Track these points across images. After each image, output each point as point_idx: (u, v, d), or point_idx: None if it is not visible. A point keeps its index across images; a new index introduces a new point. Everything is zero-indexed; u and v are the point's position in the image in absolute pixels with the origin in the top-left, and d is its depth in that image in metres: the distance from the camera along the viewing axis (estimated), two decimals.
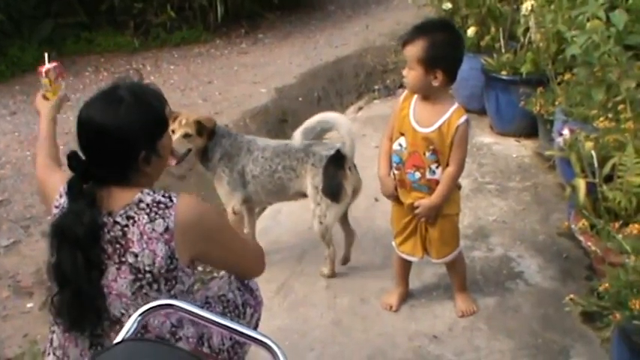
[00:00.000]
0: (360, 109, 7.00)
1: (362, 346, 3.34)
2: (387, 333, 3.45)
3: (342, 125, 3.67)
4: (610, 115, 3.79)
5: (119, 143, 2.15)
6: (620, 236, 2.82)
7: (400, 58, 8.10)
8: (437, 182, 3.19)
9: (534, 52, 5.13)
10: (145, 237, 2.10)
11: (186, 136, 3.74)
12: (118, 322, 2.12)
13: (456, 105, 3.12)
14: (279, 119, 6.58)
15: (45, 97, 2.85)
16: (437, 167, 3.16)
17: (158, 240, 2.10)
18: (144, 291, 2.12)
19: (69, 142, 6.26)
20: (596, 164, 3.44)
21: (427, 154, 3.14)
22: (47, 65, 2.82)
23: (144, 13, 9.60)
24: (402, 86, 7.37)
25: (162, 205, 2.12)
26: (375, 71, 8.01)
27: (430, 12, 6.74)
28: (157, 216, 2.11)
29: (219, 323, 1.71)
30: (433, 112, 3.12)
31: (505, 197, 4.68)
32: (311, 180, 3.71)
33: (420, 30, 3.06)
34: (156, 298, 2.06)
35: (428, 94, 3.11)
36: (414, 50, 2.99)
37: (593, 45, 3.87)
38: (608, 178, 3.45)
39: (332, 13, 11.18)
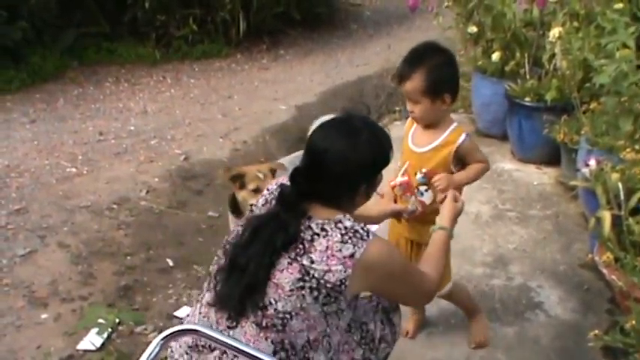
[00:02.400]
0: None
1: None
2: (403, 359, 3.39)
3: None
4: (637, 147, 3.73)
5: (350, 173, 2.32)
6: None
7: None
8: (425, 203, 3.06)
9: (559, 79, 5.09)
10: (330, 252, 2.21)
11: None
12: (262, 310, 2.24)
13: (454, 125, 3.07)
14: (298, 137, 6.54)
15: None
16: (426, 190, 3.05)
17: (339, 260, 2.20)
18: (302, 292, 2.21)
19: (87, 152, 6.28)
20: (622, 196, 3.38)
21: (418, 175, 3.04)
22: (396, 180, 2.83)
23: (166, 25, 9.62)
24: None
25: (358, 235, 2.24)
26: (396, 92, 7.96)
27: (455, 35, 6.71)
28: (350, 240, 2.22)
29: (246, 353, 1.67)
30: (431, 133, 3.06)
31: (526, 225, 4.62)
32: None
33: (412, 62, 2.98)
34: (309, 305, 2.22)
35: (437, 121, 3.05)
36: (415, 84, 2.92)
37: (622, 74, 3.82)
38: (635, 211, 3.39)
39: (354, 31, 11.17)
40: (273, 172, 3.73)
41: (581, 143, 4.34)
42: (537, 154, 5.47)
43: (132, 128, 7.06)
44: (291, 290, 2.22)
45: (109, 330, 3.57)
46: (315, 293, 2.22)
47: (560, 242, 4.45)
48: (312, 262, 2.21)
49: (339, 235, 2.23)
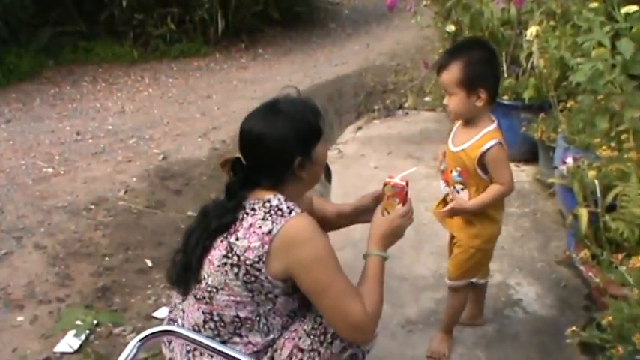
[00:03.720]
0: (360, 128, 6.97)
1: None
2: (383, 358, 3.39)
3: None
4: (613, 145, 3.75)
5: (276, 150, 2.39)
6: (623, 268, 2.78)
7: (400, 79, 8.10)
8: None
9: (537, 77, 5.11)
10: (252, 229, 2.30)
11: None
12: (198, 283, 2.41)
13: (490, 127, 2.98)
14: None
15: (385, 210, 2.64)
16: (462, 189, 3.08)
17: (258, 237, 2.28)
18: (226, 268, 2.32)
19: (64, 152, 6.25)
20: (598, 194, 3.40)
21: (454, 173, 3.08)
22: (393, 179, 2.61)
23: (144, 24, 9.60)
24: (401, 107, 7.39)
25: (279, 212, 2.31)
26: (375, 91, 8.00)
27: (433, 34, 6.73)
28: (270, 218, 2.30)
29: (222, 352, 1.66)
30: (468, 132, 3.01)
31: (504, 223, 4.56)
32: None
33: (453, 53, 2.97)
34: (231, 281, 2.32)
35: (471, 117, 3.00)
36: (452, 74, 2.88)
37: (598, 73, 3.84)
38: (611, 208, 3.41)
39: (332, 30, 11.19)
40: None
41: (558, 141, 4.35)
42: (515, 152, 5.45)
43: (110, 128, 7.03)
44: (218, 266, 2.34)
45: (87, 331, 3.55)
46: (236, 270, 2.31)
47: (537, 240, 4.47)
48: (237, 239, 2.31)
49: (262, 213, 2.32)
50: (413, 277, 4.08)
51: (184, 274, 2.45)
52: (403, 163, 5.67)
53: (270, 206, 2.33)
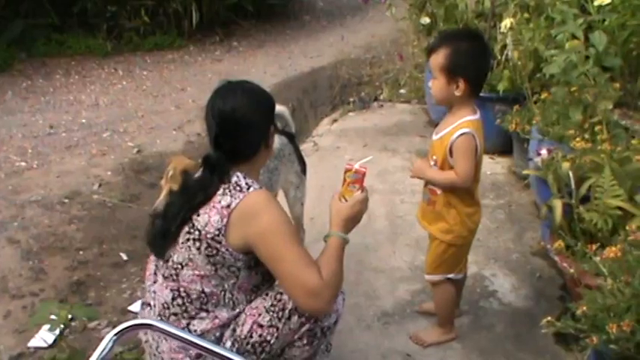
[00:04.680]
0: (335, 121, 6.97)
1: None
2: (359, 350, 3.39)
3: (285, 112, 3.95)
4: (586, 136, 3.78)
5: (257, 122, 2.54)
6: (597, 259, 2.79)
7: (375, 72, 8.11)
8: (435, 193, 3.13)
9: (511, 69, 5.14)
10: (212, 204, 2.43)
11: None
12: (165, 262, 2.54)
13: (468, 117, 2.98)
14: None
15: (342, 196, 2.66)
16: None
17: (217, 211, 2.41)
18: (189, 244, 2.45)
19: (37, 145, 6.19)
20: (572, 185, 3.42)
21: (431, 161, 3.12)
22: (354, 165, 2.64)
23: (117, 16, 9.53)
24: (376, 99, 7.39)
25: (238, 188, 2.44)
26: (349, 83, 8.00)
27: (408, 26, 6.73)
28: (229, 193, 2.43)
29: (199, 345, 1.65)
30: (448, 121, 3.04)
31: None
32: (292, 169, 3.90)
33: (445, 38, 3.03)
34: (194, 256, 2.44)
35: (451, 105, 3.03)
36: (437, 59, 2.94)
37: (572, 65, 3.86)
38: (585, 199, 3.43)
39: (307, 23, 11.18)
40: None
41: (533, 133, 4.37)
42: (490, 144, 5.40)
43: (83, 121, 6.98)
44: (182, 242, 2.46)
45: (62, 326, 3.50)
46: (198, 244, 2.43)
47: (512, 231, 4.50)
48: (198, 215, 2.44)
49: (222, 190, 2.44)
50: (388, 269, 4.09)
51: (162, 240, 2.54)
52: (379, 155, 5.68)
53: (230, 182, 2.46)
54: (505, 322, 3.59)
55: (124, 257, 4.42)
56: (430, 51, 3.02)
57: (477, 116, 3.03)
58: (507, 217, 4.68)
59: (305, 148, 5.96)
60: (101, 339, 3.59)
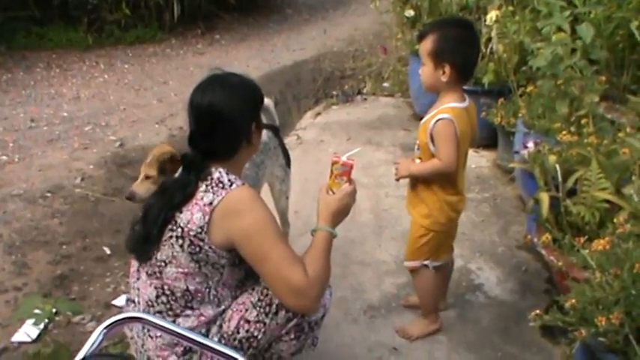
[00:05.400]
0: (318, 114, 6.94)
1: (321, 357, 3.23)
2: (346, 344, 3.38)
3: (269, 104, 3.85)
4: (573, 129, 3.78)
5: (237, 119, 2.46)
6: (586, 252, 2.79)
7: (358, 65, 8.09)
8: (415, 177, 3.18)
9: (496, 62, 5.13)
10: (194, 201, 2.37)
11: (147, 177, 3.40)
12: (149, 260, 2.46)
13: (452, 104, 3.00)
14: None
15: (329, 189, 2.63)
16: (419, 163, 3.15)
17: (199, 208, 2.35)
18: (172, 241, 2.39)
19: (18, 139, 6.13)
20: (559, 178, 3.41)
21: (416, 146, 3.16)
22: (342, 157, 2.61)
23: (98, 9, 9.46)
24: (359, 92, 7.37)
25: (220, 185, 2.38)
26: (332, 77, 7.98)
27: (391, 19, 6.72)
28: (211, 190, 2.37)
29: (188, 338, 1.63)
30: (434, 108, 3.06)
31: (465, 208, 4.64)
32: (277, 162, 3.89)
33: (434, 25, 3.09)
34: (178, 253, 2.39)
35: (439, 91, 3.07)
36: (425, 45, 2.99)
37: (558, 57, 3.85)
38: (571, 192, 3.43)
39: (289, 16, 11.15)
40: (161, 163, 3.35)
41: (518, 126, 4.38)
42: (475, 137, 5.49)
43: (65, 114, 6.92)
44: (165, 240, 2.40)
45: (46, 320, 3.48)
46: (181, 242, 2.37)
47: (498, 224, 4.50)
48: (181, 212, 2.37)
49: (204, 186, 2.39)
50: (374, 262, 4.08)
51: (144, 245, 2.47)
52: (363, 149, 5.65)
53: (212, 179, 2.40)
54: (491, 316, 3.58)
55: (107, 251, 4.39)
56: (420, 37, 3.06)
57: (464, 104, 3.04)
58: (492, 211, 4.68)
59: (289, 141, 5.94)
60: (85, 333, 3.61)
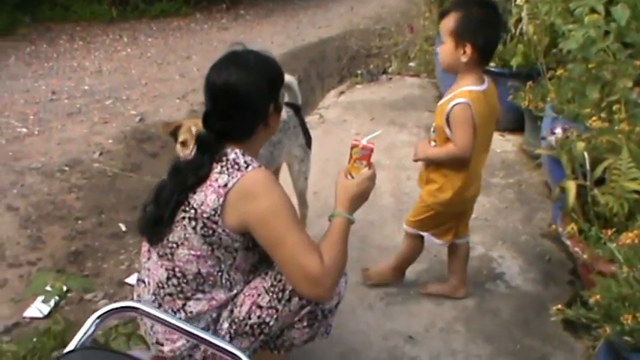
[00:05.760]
0: (342, 93, 6.84)
1: (334, 343, 3.15)
2: (360, 331, 3.30)
3: (293, 82, 3.85)
4: (603, 115, 3.64)
5: (254, 99, 2.37)
6: (613, 245, 2.68)
7: (384, 43, 7.97)
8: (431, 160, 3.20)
9: (525, 44, 5.00)
10: (208, 182, 2.29)
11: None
12: (161, 241, 2.40)
13: (470, 87, 2.98)
14: None
15: (348, 173, 2.55)
16: (434, 146, 3.16)
17: (214, 190, 2.28)
18: (184, 223, 2.32)
19: (39, 111, 6.10)
20: (587, 166, 3.29)
21: (431, 129, 3.17)
22: (362, 141, 2.52)
23: None
24: (385, 72, 7.26)
25: (236, 166, 2.31)
26: (358, 55, 7.86)
27: None
28: (227, 172, 2.30)
29: (185, 330, 1.55)
30: (452, 90, 3.05)
31: (488, 194, 4.54)
32: (296, 142, 3.81)
33: (458, 3, 3.03)
34: (190, 235, 2.32)
35: (457, 72, 3.04)
36: (447, 23, 2.96)
37: (590, 40, 3.72)
38: (600, 181, 3.30)
39: None
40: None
41: (546, 111, 4.25)
42: (501, 121, 5.33)
43: (86, 88, 6.88)
44: (177, 221, 2.34)
45: (56, 298, 3.44)
46: (193, 223, 2.31)
47: (522, 211, 4.38)
48: (195, 193, 2.31)
49: (219, 167, 2.32)
50: (393, 247, 3.94)
51: (156, 227, 2.41)
52: (386, 130, 5.55)
53: (227, 160, 2.33)
54: (512, 306, 3.48)
55: (123, 228, 4.35)
56: (442, 15, 3.05)
57: (482, 87, 3.01)
58: (517, 197, 4.56)
59: (310, 120, 5.85)
60: (96, 311, 3.56)
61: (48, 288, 3.22)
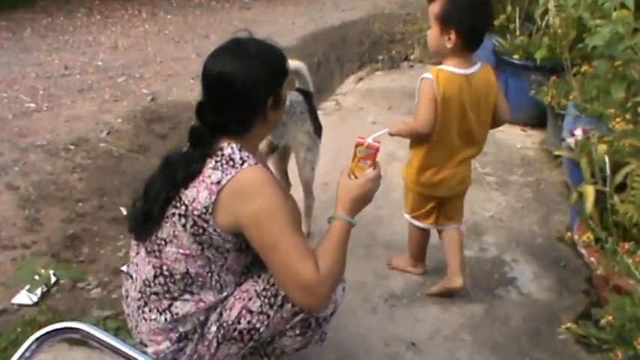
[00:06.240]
0: (361, 79, 6.67)
1: (332, 347, 2.98)
2: (361, 334, 3.14)
3: (302, 68, 3.71)
4: (628, 117, 3.45)
5: (250, 90, 2.22)
6: (630, 261, 2.49)
7: (408, 29, 7.78)
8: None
9: (551, 37, 4.82)
10: (201, 178, 2.16)
11: None
12: (150, 237, 2.28)
13: (444, 67, 3.01)
14: None
15: (352, 172, 2.39)
16: None
17: (206, 186, 2.15)
18: (174, 219, 2.20)
19: (49, 86, 5.99)
20: (608, 171, 3.10)
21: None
22: (367, 139, 2.36)
23: None
24: (407, 59, 7.08)
25: (231, 162, 2.17)
26: (381, 40, 7.68)
27: None
28: (221, 168, 2.17)
29: (127, 355, 1.39)
30: None
31: (505, 192, 4.36)
32: (302, 128, 3.66)
33: None
34: (180, 232, 2.20)
35: (443, 56, 3.04)
36: (434, 8, 2.96)
37: (618, 37, 3.52)
38: (620, 187, 3.11)
39: None
40: (271, 148, 3.39)
41: (569, 108, 4.06)
42: (523, 115, 5.19)
43: (99, 64, 6.78)
44: (167, 217, 2.22)
45: (43, 287, 3.31)
46: (184, 220, 2.19)
47: (539, 212, 4.19)
48: (187, 188, 2.19)
49: (213, 162, 2.19)
50: (402, 245, 3.78)
51: (144, 224, 2.29)
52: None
53: (222, 155, 2.20)
54: (522, 315, 3.30)
55: (124, 212, 4.21)
56: (430, 0, 3.03)
57: (463, 70, 3.01)
58: (534, 197, 4.37)
59: (326, 106, 5.70)
60: (89, 300, 3.44)
61: (36, 277, 3.09)
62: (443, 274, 3.43)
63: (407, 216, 3.40)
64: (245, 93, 2.22)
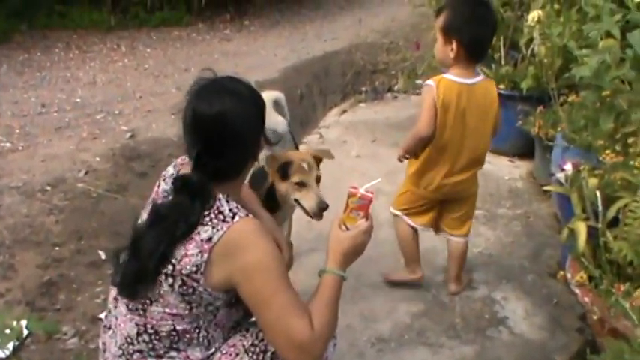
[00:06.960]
0: (344, 111, 6.61)
1: None
2: None
3: (281, 98, 3.83)
4: (617, 148, 3.36)
5: (247, 131, 2.15)
6: (627, 305, 2.38)
7: (391, 59, 7.74)
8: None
9: (537, 66, 4.78)
10: (191, 234, 2.05)
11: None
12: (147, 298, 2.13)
13: (446, 75, 3.17)
14: None
15: (343, 224, 2.27)
16: None
17: (196, 244, 2.03)
18: (160, 278, 2.06)
19: (26, 125, 5.88)
20: (600, 206, 2.99)
21: None
22: (361, 189, 2.25)
23: None
24: (390, 89, 7.03)
25: (221, 216, 2.06)
26: (364, 70, 7.64)
27: (428, 11, 6.37)
28: (210, 223, 2.05)
29: None
30: None
31: (493, 226, 4.26)
32: None
33: (449, 2, 3.23)
34: (166, 292, 2.07)
35: (448, 67, 3.20)
36: (439, 20, 3.14)
37: (605, 67, 3.43)
38: (613, 222, 3.00)
39: (324, 3, 10.87)
40: (318, 162, 3.16)
41: (557, 140, 3.99)
42: (510, 145, 5.12)
43: (78, 100, 6.68)
44: (155, 278, 2.08)
45: (15, 342, 3.17)
46: (170, 280, 2.05)
47: (529, 247, 4.10)
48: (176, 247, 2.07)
49: (202, 217, 2.07)
50: (388, 286, 3.70)
51: (136, 284, 2.12)
52: (387, 152, 5.27)
53: (210, 207, 2.08)
54: (515, 356, 3.20)
55: (103, 256, 4.07)
56: (436, 13, 3.24)
57: (466, 80, 3.16)
58: (524, 230, 4.28)
59: (310, 140, 5.61)
60: (66, 351, 3.30)
61: (7, 330, 2.95)
62: (430, 315, 3.35)
63: (396, 212, 3.54)
64: (243, 134, 2.14)
